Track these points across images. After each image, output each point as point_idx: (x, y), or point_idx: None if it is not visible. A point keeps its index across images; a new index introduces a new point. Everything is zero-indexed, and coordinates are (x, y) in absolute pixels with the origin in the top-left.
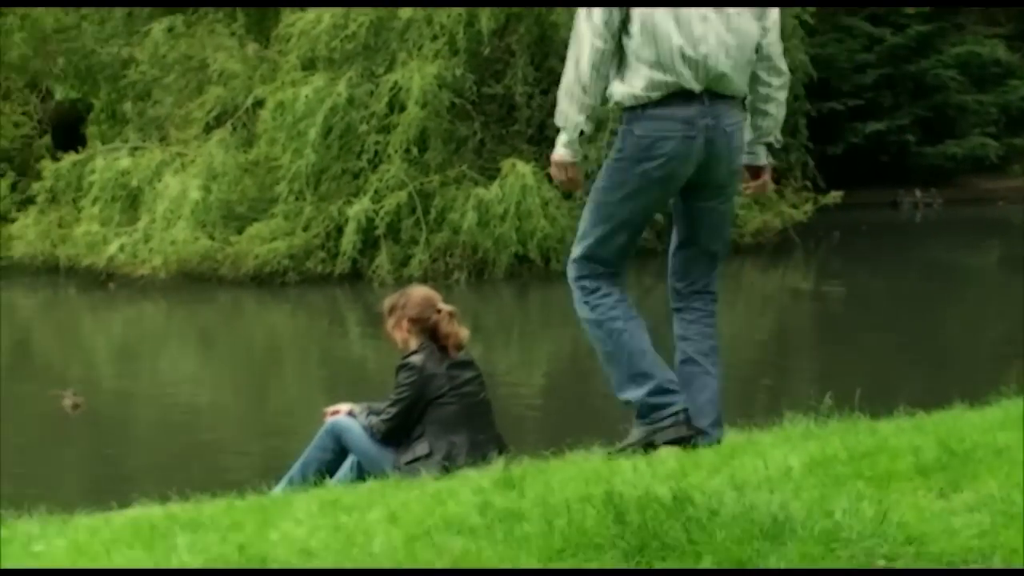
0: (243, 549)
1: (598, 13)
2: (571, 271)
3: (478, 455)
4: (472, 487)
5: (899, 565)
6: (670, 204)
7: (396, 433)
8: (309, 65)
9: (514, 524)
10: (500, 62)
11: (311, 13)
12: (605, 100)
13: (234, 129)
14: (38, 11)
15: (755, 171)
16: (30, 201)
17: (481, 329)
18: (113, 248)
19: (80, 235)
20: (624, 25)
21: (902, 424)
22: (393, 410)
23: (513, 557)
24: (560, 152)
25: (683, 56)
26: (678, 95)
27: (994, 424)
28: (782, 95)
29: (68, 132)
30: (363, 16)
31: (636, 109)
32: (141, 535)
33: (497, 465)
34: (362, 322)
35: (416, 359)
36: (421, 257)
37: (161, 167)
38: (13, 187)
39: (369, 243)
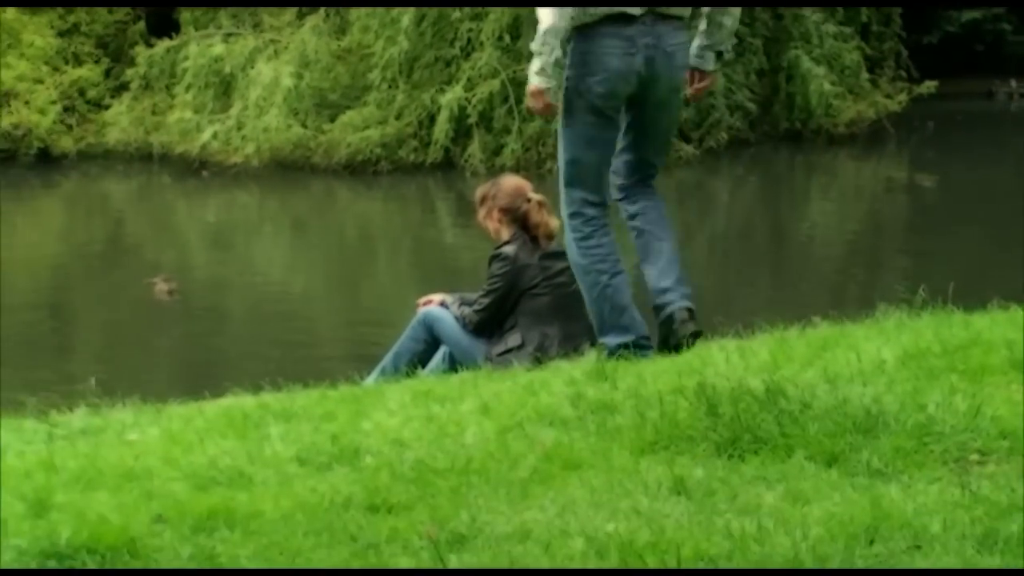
0: (336, 439)
1: None
2: (563, 205)
3: (570, 346)
4: (564, 379)
5: (992, 459)
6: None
7: (488, 324)
8: None
9: (606, 416)
10: None
11: None
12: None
13: (327, 16)
14: None
15: (702, 75)
16: (124, 88)
17: None
18: (206, 135)
19: (173, 122)
20: None
21: (996, 318)
22: (486, 301)
23: (605, 449)
24: (533, 80)
25: None
26: (620, 17)
27: None
28: (737, 10)
29: (162, 18)
30: None
31: (583, 29)
32: (234, 425)
33: (589, 356)
34: (454, 212)
35: (508, 249)
36: (513, 146)
37: (254, 54)
38: (107, 73)
39: (461, 132)
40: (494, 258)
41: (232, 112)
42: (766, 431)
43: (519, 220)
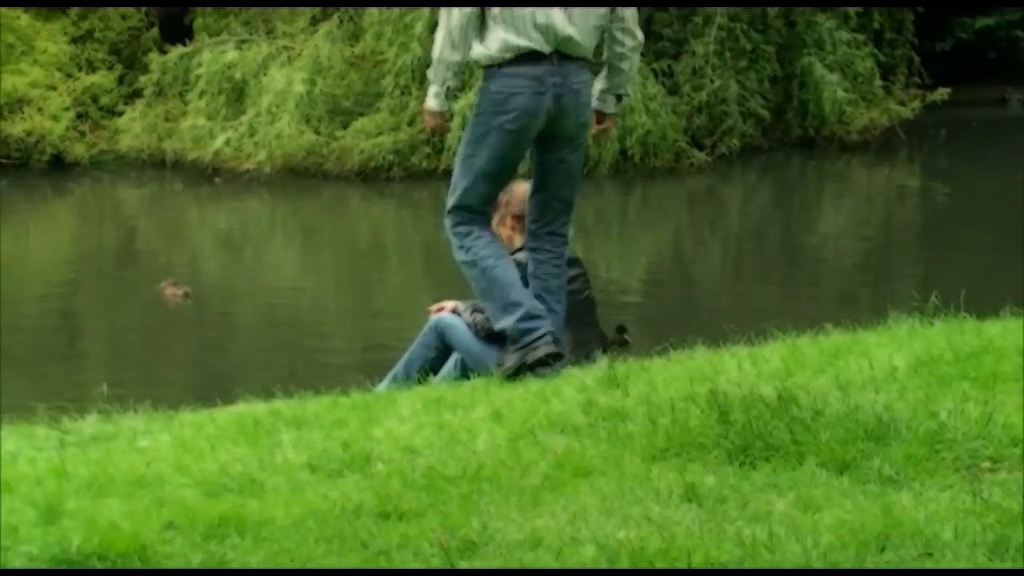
0: (347, 446)
1: None
2: (446, 222)
3: (582, 353)
4: (576, 386)
5: (1004, 467)
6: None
7: (500, 331)
8: None
9: (618, 423)
10: None
11: None
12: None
13: (341, 23)
14: None
15: (602, 117)
16: (137, 94)
17: (584, 226)
18: (219, 142)
19: (186, 129)
20: None
21: (1008, 325)
22: None
23: (616, 456)
24: (429, 102)
25: (535, 22)
26: (529, 56)
27: None
28: (635, 56)
29: (175, 25)
30: None
31: (492, 68)
32: (246, 431)
33: (601, 363)
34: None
35: (521, 256)
36: None
37: (267, 60)
38: (120, 80)
39: None
40: None
41: (244, 119)
42: (778, 438)
43: None
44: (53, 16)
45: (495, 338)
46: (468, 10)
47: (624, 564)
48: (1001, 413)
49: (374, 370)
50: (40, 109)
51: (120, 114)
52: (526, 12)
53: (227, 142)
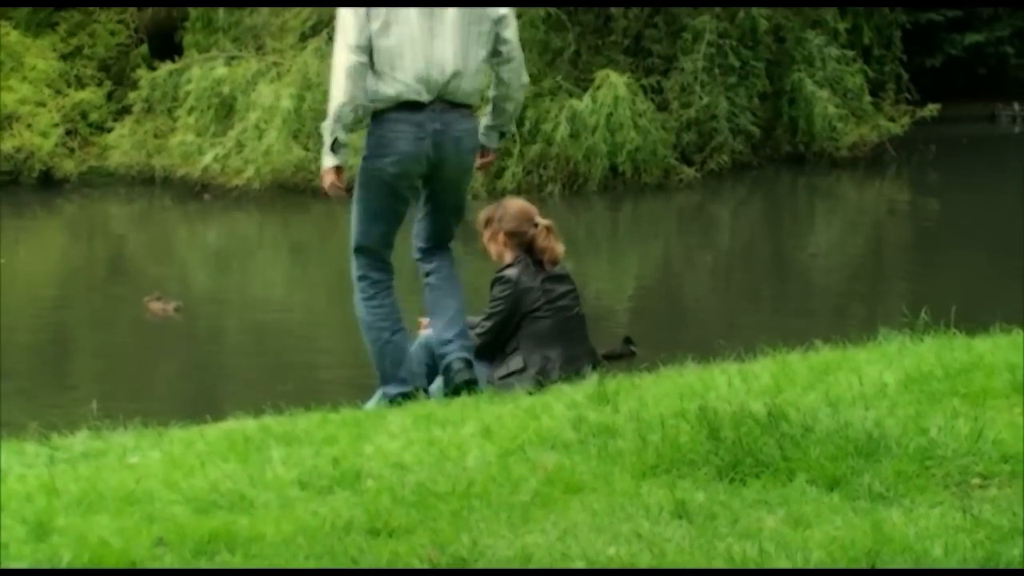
0: (337, 463)
1: (352, 33)
2: (352, 267)
3: (572, 370)
4: (566, 402)
5: (994, 483)
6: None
7: (490, 347)
8: None
9: (608, 439)
10: None
11: None
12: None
13: (330, 39)
14: None
15: (486, 151)
16: (126, 111)
17: (573, 242)
18: (208, 158)
19: (175, 145)
20: (371, 44)
21: (998, 341)
22: (488, 324)
23: (607, 473)
24: (324, 161)
25: (415, 73)
26: (411, 104)
27: None
28: (520, 95)
29: (164, 41)
30: None
31: (377, 115)
32: (236, 448)
33: (591, 380)
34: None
35: (511, 272)
36: (515, 169)
37: (256, 77)
38: (109, 96)
39: None
40: (496, 281)
41: (232, 134)
42: (768, 455)
43: (524, 244)
44: (42, 32)
45: (485, 354)
46: (355, 60)
47: None
48: (991, 429)
49: (364, 387)
50: (29, 125)
51: (109, 130)
52: (407, 64)
53: (216, 158)
